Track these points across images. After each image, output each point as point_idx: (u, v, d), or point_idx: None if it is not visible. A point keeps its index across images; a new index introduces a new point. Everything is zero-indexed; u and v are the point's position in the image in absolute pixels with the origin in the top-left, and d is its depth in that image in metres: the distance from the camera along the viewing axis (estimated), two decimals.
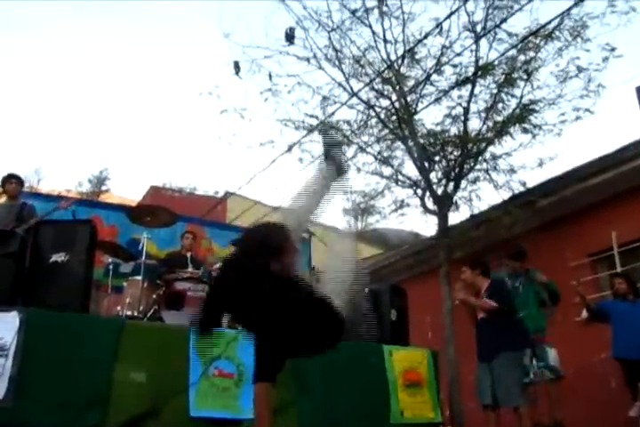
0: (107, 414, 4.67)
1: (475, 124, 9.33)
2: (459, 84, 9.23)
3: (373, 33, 9.24)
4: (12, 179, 7.05)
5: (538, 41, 8.78)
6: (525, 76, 8.99)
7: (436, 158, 9.34)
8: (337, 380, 5.95)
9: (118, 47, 61.22)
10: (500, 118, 9.19)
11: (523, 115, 9.00)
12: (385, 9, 9.13)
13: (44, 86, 59.91)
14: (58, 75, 59.64)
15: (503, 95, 9.15)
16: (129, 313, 6.22)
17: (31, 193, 8.71)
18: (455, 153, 9.25)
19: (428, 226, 16.12)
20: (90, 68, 60.82)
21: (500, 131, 9.06)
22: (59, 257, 5.28)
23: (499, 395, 5.69)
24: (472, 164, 9.25)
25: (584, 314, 6.89)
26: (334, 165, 3.49)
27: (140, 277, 6.41)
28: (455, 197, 9.24)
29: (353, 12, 9.21)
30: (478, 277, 6.11)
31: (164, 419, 4.93)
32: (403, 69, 9.35)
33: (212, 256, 8.98)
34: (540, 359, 6.08)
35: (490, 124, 9.23)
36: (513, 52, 8.89)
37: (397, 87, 9.19)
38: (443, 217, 9.05)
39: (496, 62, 8.94)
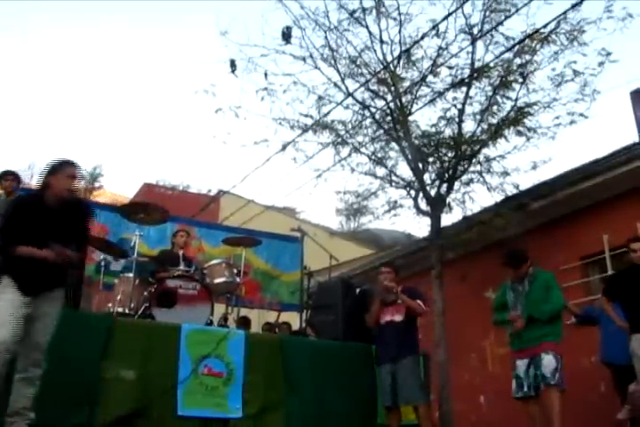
0: (95, 411, 4.66)
1: (469, 126, 9.35)
2: (454, 85, 9.24)
3: (370, 33, 9.24)
4: (9, 175, 7.05)
5: (534, 44, 8.80)
6: (521, 79, 9.00)
7: (430, 160, 9.35)
8: (326, 380, 5.97)
9: (114, 44, 61.09)
10: (494, 121, 9.20)
11: (517, 117, 9.01)
12: (382, 10, 9.13)
13: (39, 82, 59.76)
14: (53, 71, 59.50)
15: (498, 98, 9.16)
16: (120, 310, 6.21)
17: (25, 189, 8.64)
18: (449, 155, 9.26)
19: (420, 227, 16.15)
20: (85, 65, 60.72)
21: (495, 133, 9.07)
22: None
23: (402, 395, 5.80)
24: (466, 165, 9.26)
25: (572, 319, 6.90)
26: None
27: (131, 274, 6.41)
28: (448, 199, 9.25)
29: (351, 13, 9.21)
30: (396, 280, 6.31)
31: (152, 417, 4.93)
32: (398, 70, 9.35)
33: (202, 255, 8.97)
34: (536, 368, 5.65)
35: (484, 126, 9.24)
36: (509, 54, 8.91)
37: (393, 88, 9.19)
38: (435, 218, 9.06)
39: (492, 64, 8.95)
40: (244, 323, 8.62)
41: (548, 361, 5.60)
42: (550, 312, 5.76)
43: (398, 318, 6.10)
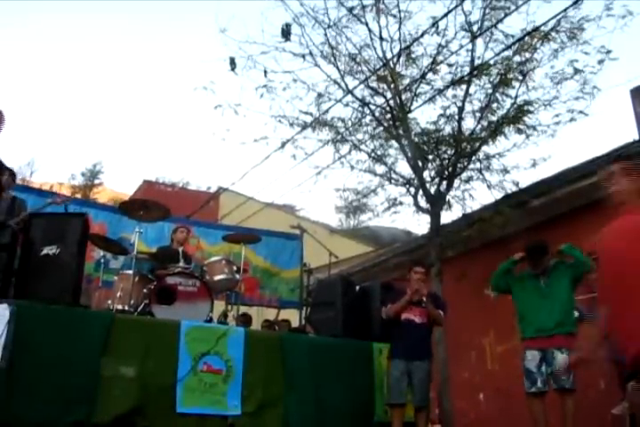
0: (94, 408, 4.66)
1: (469, 124, 9.34)
2: (454, 83, 9.24)
3: (370, 31, 9.24)
4: (4, 171, 7.02)
5: (534, 42, 8.80)
6: (521, 77, 9.00)
7: (430, 157, 9.34)
8: (325, 377, 5.97)
9: (114, 42, 61.04)
10: (494, 118, 9.20)
11: (517, 115, 9.00)
12: (382, 7, 9.13)
13: (39, 79, 59.73)
14: (54, 68, 59.49)
15: (498, 95, 9.15)
16: (120, 307, 6.21)
17: (24, 187, 8.66)
18: (449, 152, 9.26)
19: (420, 224, 16.15)
20: (86, 62, 60.69)
21: (494, 131, 9.07)
22: (50, 250, 5.27)
23: (417, 395, 5.90)
24: (465, 163, 9.26)
25: (575, 313, 6.85)
26: None
27: (131, 271, 6.41)
28: (448, 196, 9.25)
29: (350, 10, 9.20)
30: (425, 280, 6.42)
31: (151, 414, 4.94)
32: (398, 68, 9.35)
33: (200, 253, 8.98)
34: (549, 365, 5.61)
35: (484, 123, 9.24)
36: (509, 52, 8.90)
37: (392, 85, 9.19)
38: (435, 216, 9.05)
39: (492, 62, 8.95)
40: (244, 320, 8.64)
41: (563, 360, 5.53)
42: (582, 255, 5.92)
43: (419, 320, 6.20)
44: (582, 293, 7.14)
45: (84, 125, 60.79)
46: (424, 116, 10.51)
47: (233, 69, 9.20)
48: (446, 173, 9.18)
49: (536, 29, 8.42)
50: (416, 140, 9.28)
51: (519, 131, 9.13)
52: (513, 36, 8.81)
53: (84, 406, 4.63)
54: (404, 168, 9.75)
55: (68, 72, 60.89)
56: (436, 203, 9.08)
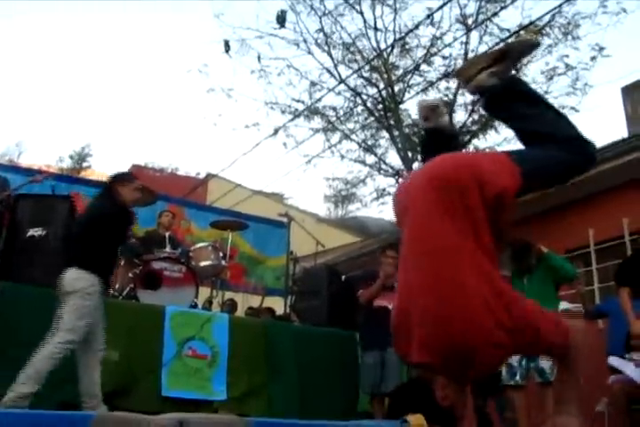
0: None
1: (460, 117, 9.38)
2: (447, 75, 9.25)
3: (365, 20, 9.22)
4: None
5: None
6: (513, 72, 9.02)
7: (420, 149, 9.38)
8: (309, 365, 5.99)
9: (104, 22, 60.45)
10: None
11: None
12: None
13: (27, 60, 59.12)
14: (42, 49, 58.90)
15: None
16: None
17: (11, 166, 8.58)
18: None
19: None
20: (75, 44, 60.15)
21: (485, 124, 9.10)
22: (36, 232, 5.24)
23: (389, 383, 5.60)
24: None
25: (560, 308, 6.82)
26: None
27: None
28: None
29: None
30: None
31: (136, 398, 4.94)
32: (392, 58, 9.35)
33: (190, 237, 8.94)
34: (532, 359, 5.39)
35: (475, 117, 9.28)
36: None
37: (385, 76, 9.19)
38: None
39: None
40: (231, 305, 8.64)
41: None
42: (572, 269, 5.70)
43: (387, 304, 6.07)
44: (565, 288, 7.19)
45: (73, 108, 60.33)
46: (416, 107, 10.56)
47: (227, 51, 9.20)
48: None
49: (531, 24, 8.45)
50: (407, 131, 9.30)
51: None
52: (508, 30, 8.84)
53: (69, 386, 4.62)
54: (393, 159, 9.80)
55: (58, 54, 60.29)
56: None
